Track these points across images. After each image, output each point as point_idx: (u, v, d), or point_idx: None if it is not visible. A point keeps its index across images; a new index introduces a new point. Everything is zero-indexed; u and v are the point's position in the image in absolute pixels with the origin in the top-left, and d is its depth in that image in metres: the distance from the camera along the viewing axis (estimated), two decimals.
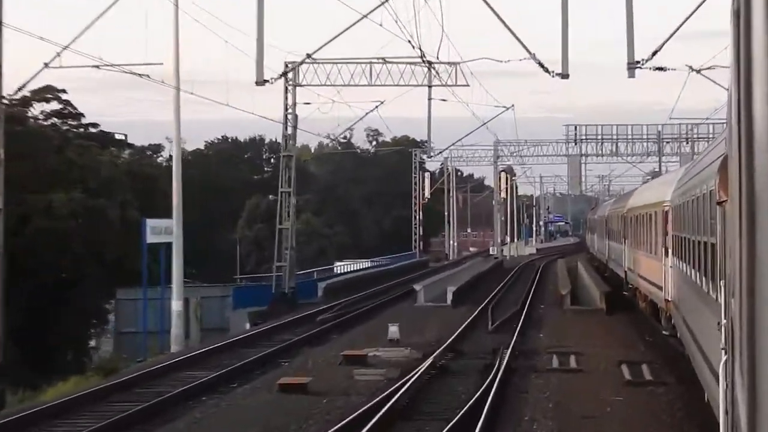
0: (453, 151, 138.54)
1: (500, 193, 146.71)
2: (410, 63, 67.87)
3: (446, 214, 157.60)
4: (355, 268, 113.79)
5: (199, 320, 69.66)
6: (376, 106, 69.63)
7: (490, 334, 47.52)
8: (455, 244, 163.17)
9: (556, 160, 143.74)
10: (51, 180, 72.00)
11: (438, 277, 78.26)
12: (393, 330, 42.81)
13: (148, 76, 48.71)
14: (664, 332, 39.94)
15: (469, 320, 51.89)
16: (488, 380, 32.05)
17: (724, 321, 12.95)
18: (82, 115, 79.05)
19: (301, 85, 68.63)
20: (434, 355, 37.56)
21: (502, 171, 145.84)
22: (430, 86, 68.86)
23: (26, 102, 75.95)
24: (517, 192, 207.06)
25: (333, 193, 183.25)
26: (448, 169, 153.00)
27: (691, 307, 23.82)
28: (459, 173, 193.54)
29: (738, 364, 6.59)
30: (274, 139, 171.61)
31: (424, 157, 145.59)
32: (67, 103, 78.46)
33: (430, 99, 68.64)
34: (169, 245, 56.73)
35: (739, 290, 6.25)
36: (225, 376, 36.42)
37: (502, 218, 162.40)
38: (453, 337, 43.37)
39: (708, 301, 18.23)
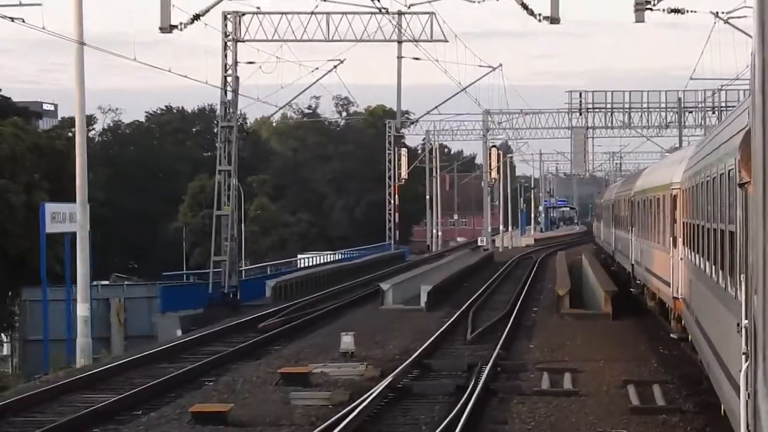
0: (438, 123, 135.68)
1: (490, 173, 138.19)
2: (375, 13, 64.86)
3: (428, 197, 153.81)
4: (319, 262, 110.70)
5: (122, 325, 66.52)
6: (335, 66, 66.07)
7: (468, 346, 44.69)
8: (439, 233, 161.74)
9: (557, 134, 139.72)
10: None
11: (412, 274, 75.16)
12: (346, 340, 39.53)
13: (22, 20, 44.63)
14: (672, 335, 38.12)
15: (444, 327, 49.14)
16: (458, 406, 29.24)
17: (745, 322, 12.85)
18: None
19: (242, 41, 65.51)
20: (395, 372, 34.68)
21: (493, 147, 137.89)
22: (399, 41, 65.44)
23: None
24: (513, 172, 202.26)
25: (296, 174, 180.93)
26: (430, 143, 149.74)
27: (705, 305, 23.36)
28: (446, 150, 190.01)
29: (761, 370, 6.73)
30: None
31: (403, 130, 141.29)
32: None
33: (399, 58, 63.29)
34: (73, 235, 53.03)
35: (762, 286, 6.74)
36: (129, 400, 33.34)
37: (494, 203, 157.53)
38: (421, 348, 40.54)
39: (726, 299, 17.82)
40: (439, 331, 46.94)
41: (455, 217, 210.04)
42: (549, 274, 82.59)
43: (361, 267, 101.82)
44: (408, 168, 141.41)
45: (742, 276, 13.68)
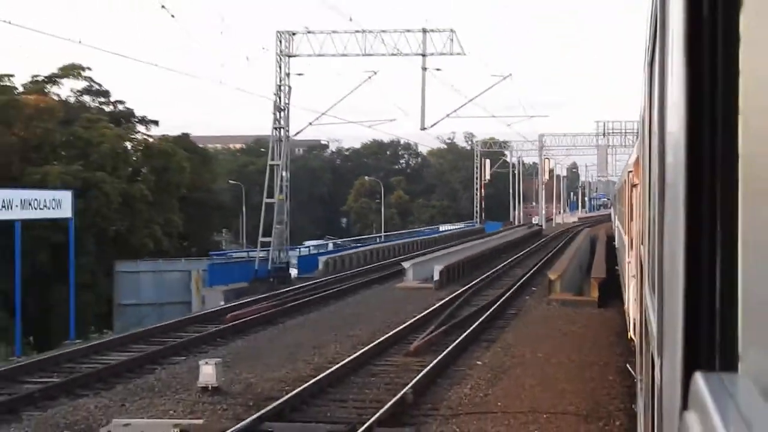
0: (520, 144, 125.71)
1: (544, 175, 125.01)
2: (403, 31, 43.27)
3: (511, 191, 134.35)
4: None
5: (200, 293, 45.56)
6: (369, 77, 44.18)
7: (408, 357, 21.59)
8: (521, 213, 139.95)
9: (587, 152, 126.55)
10: (54, 153, 49.37)
11: (453, 249, 53.18)
12: (207, 372, 16.65)
13: None
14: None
15: (417, 317, 27.57)
16: None
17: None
18: (107, 92, 56.30)
19: (293, 55, 44.23)
20: None
21: (546, 158, 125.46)
22: (423, 55, 43.25)
23: (53, 79, 53.26)
24: (566, 175, 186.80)
25: (441, 178, 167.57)
26: (512, 158, 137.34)
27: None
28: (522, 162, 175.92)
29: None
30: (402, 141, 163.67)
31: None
32: (90, 80, 55.45)
33: (424, 69, 40.56)
34: None
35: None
36: None
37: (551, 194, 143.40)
38: (328, 372, 18.53)
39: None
40: (401, 326, 25.51)
41: (534, 204, 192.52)
42: (572, 245, 59.74)
43: (449, 237, 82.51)
44: (491, 170, 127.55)
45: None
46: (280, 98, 43.59)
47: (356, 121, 45.85)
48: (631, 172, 14.82)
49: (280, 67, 43.67)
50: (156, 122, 55.99)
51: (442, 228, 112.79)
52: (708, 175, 1.65)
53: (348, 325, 26.27)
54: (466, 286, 37.58)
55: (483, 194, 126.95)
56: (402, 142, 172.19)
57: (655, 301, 3.26)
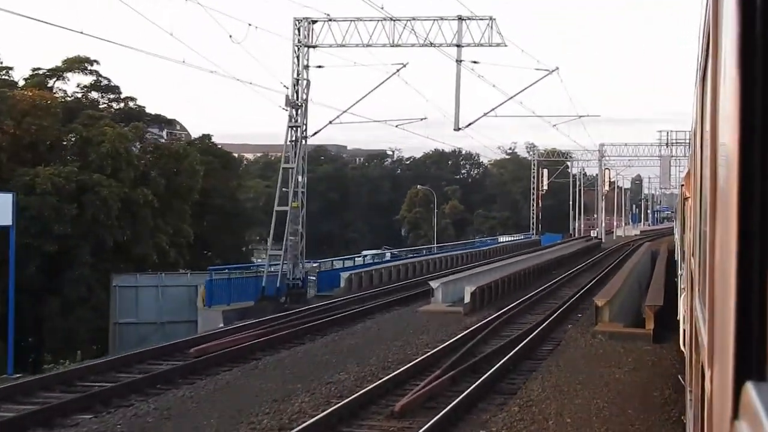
0: (584, 154, 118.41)
1: (604, 187, 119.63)
2: (437, 18, 37.96)
3: (570, 203, 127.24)
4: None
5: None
6: (398, 70, 38.91)
7: (390, 421, 15.95)
8: (581, 225, 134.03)
9: (648, 162, 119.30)
10: (53, 152, 44.67)
11: (497, 265, 47.75)
12: None
13: None
14: None
15: (429, 353, 22.38)
16: None
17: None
18: (117, 88, 51.55)
19: (313, 46, 39.17)
20: None
21: (606, 169, 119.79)
22: (459, 45, 37.88)
23: (58, 72, 48.78)
24: (627, 187, 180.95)
25: (503, 188, 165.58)
26: (573, 169, 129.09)
27: None
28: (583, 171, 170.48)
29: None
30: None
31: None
32: (98, 74, 50.58)
33: (459, 61, 35.09)
34: None
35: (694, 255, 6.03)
36: None
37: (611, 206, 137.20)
38: None
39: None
40: (411, 362, 20.37)
41: (594, 216, 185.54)
42: (629, 262, 53.88)
43: (501, 250, 77.80)
44: (549, 180, 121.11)
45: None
46: (297, 93, 38.60)
47: (381, 119, 40.42)
48: (683, 185, 14.52)
49: (297, 59, 38.67)
50: (171, 122, 51.09)
51: (501, 239, 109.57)
52: (759, 187, 1.69)
53: (335, 365, 21.09)
54: (502, 310, 32.31)
55: (540, 205, 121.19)
56: (464, 152, 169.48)
57: (706, 312, 3.29)
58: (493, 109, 38.20)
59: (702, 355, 3.76)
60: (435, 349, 23.25)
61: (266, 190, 76.04)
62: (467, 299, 33.82)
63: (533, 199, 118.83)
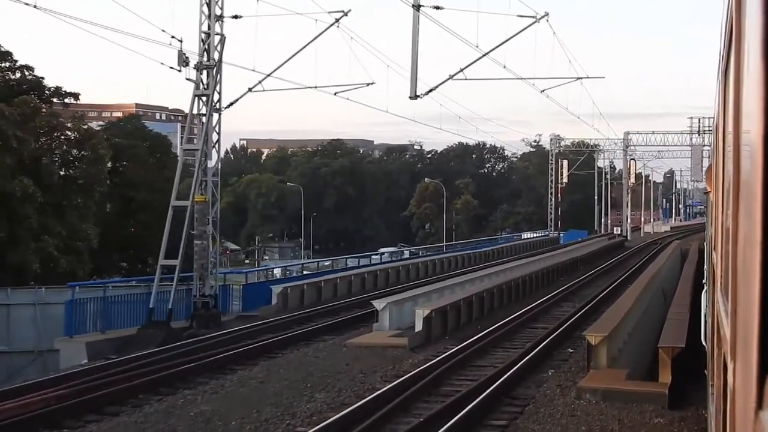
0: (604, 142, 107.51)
1: (629, 179, 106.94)
2: None
3: (596, 198, 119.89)
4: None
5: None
6: (338, 19, 29.65)
7: None
8: (609, 222, 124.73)
9: (679, 154, 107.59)
10: None
11: (485, 273, 38.32)
12: None
13: None
14: None
15: None
16: None
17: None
18: (9, 54, 42.11)
19: None
20: None
21: (632, 159, 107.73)
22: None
23: None
24: (660, 182, 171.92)
25: (528, 182, 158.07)
26: (600, 161, 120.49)
27: None
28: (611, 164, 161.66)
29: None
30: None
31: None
32: None
33: (417, 6, 25.50)
34: None
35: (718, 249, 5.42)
36: None
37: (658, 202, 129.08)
38: None
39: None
40: None
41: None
42: (652, 266, 44.20)
43: (510, 249, 69.27)
44: (569, 172, 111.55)
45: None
46: (208, 52, 29.47)
47: (315, 86, 30.97)
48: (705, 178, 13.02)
49: (208, 5, 29.53)
50: (75, 95, 41.81)
51: (525, 236, 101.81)
52: None
53: None
54: (465, 343, 23.11)
55: (561, 199, 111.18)
56: (488, 145, 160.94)
57: (728, 306, 3.32)
58: (461, 70, 28.56)
59: (724, 347, 3.74)
60: (322, 424, 14.06)
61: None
62: (419, 326, 24.54)
63: (550, 194, 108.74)
